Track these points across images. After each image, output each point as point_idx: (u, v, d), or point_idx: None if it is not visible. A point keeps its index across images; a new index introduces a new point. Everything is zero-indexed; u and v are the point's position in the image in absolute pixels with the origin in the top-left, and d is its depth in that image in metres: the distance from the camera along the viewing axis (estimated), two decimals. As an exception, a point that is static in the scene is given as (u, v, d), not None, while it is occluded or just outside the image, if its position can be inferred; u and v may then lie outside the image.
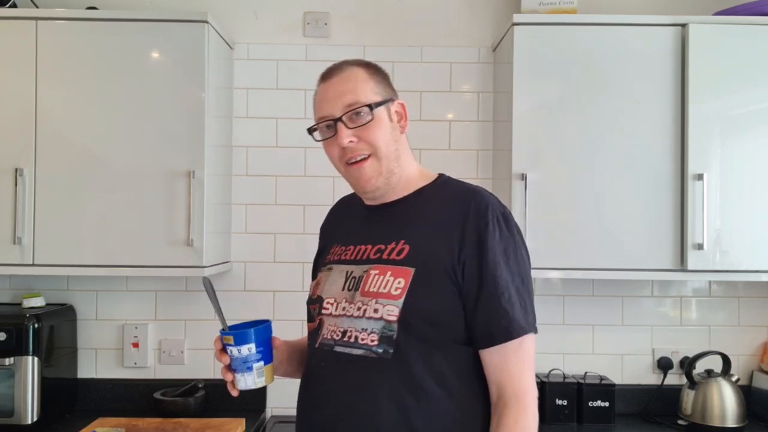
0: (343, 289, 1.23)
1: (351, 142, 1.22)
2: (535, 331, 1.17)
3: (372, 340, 1.16)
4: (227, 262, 2.35)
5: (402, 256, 1.18)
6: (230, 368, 1.22)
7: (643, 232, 2.09)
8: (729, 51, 2.09)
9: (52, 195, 2.05)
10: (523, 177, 2.07)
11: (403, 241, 1.20)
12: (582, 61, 2.10)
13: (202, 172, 2.05)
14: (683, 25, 2.09)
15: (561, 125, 2.10)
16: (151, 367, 2.38)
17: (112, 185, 2.06)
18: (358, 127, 1.21)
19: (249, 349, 1.17)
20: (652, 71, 2.10)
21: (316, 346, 1.24)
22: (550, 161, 2.10)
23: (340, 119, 1.21)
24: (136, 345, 2.36)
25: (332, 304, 1.24)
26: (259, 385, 1.20)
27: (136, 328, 2.36)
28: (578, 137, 2.10)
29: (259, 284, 2.39)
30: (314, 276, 1.39)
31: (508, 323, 1.14)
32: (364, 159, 1.23)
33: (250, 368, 1.19)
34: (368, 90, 1.23)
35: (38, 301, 2.23)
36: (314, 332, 1.27)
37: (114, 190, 2.06)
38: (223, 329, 1.22)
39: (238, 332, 1.18)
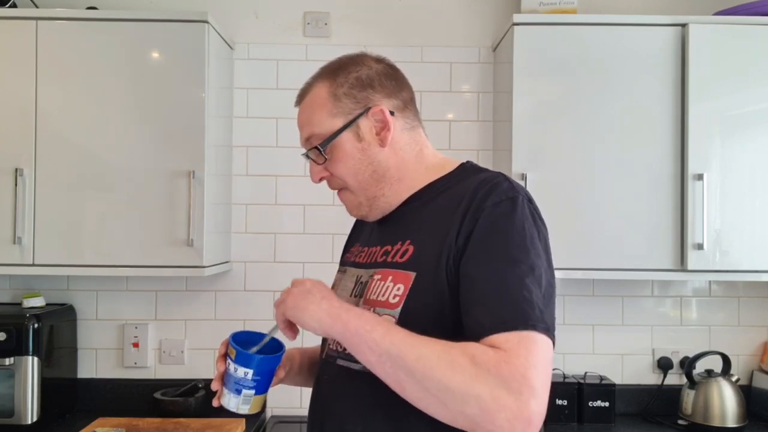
0: (351, 296, 1.17)
1: (322, 178, 1.18)
2: (537, 329, 1.02)
3: None
4: (227, 262, 2.35)
5: (405, 258, 1.09)
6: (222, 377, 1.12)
7: (643, 232, 2.09)
8: (729, 51, 2.09)
9: (52, 195, 2.05)
10: (523, 177, 2.07)
11: (408, 241, 1.11)
12: (582, 61, 2.10)
13: (202, 172, 2.05)
14: (683, 25, 2.09)
15: (561, 125, 2.10)
16: (151, 367, 2.38)
17: (112, 185, 2.06)
18: (324, 163, 1.15)
19: (245, 373, 1.06)
20: (652, 71, 2.09)
21: (324, 356, 1.20)
22: (550, 161, 2.10)
23: (307, 155, 1.17)
24: (136, 345, 2.36)
25: None
26: (241, 412, 1.09)
27: (136, 328, 2.36)
28: (578, 137, 2.10)
29: (259, 284, 2.39)
30: (342, 258, 1.34)
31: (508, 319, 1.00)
32: (342, 189, 1.18)
33: (238, 391, 1.08)
34: (324, 117, 1.13)
35: (38, 301, 2.23)
36: (324, 339, 1.22)
37: (114, 190, 2.06)
38: (235, 333, 1.12)
39: (242, 352, 1.06)
